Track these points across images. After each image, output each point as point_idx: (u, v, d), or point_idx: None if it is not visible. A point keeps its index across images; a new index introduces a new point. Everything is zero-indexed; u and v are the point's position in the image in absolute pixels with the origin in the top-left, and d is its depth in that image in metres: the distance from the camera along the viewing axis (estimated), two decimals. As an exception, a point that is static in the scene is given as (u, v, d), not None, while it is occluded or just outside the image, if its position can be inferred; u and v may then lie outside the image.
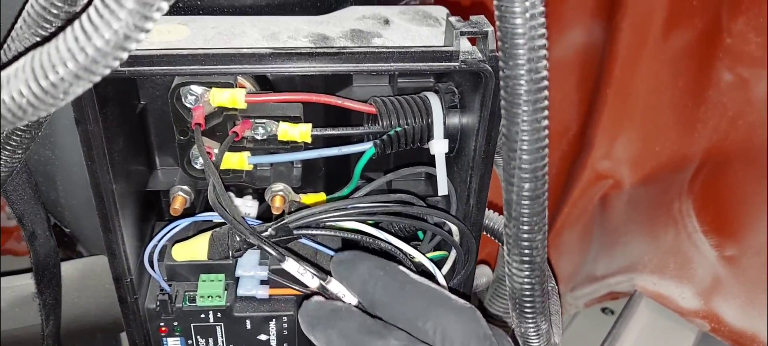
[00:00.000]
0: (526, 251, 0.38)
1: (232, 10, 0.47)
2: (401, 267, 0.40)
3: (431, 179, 0.51)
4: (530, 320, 0.41)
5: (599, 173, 0.98)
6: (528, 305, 0.40)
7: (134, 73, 0.38)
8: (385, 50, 0.40)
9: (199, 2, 0.46)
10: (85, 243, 0.64)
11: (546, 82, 0.33)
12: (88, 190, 0.42)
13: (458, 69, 0.40)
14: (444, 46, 0.41)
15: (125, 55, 0.26)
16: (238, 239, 0.41)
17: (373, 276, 0.39)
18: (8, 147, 0.39)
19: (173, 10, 0.45)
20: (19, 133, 0.39)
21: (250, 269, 0.47)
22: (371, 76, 0.51)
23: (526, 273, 0.39)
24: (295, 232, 0.41)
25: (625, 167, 0.97)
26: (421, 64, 0.40)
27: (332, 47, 0.40)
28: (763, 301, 0.81)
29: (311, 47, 0.40)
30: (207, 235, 0.44)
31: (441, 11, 0.48)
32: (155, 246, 0.44)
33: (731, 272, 0.84)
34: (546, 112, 0.34)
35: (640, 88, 0.95)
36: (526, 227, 0.37)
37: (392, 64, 0.40)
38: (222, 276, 0.47)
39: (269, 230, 0.41)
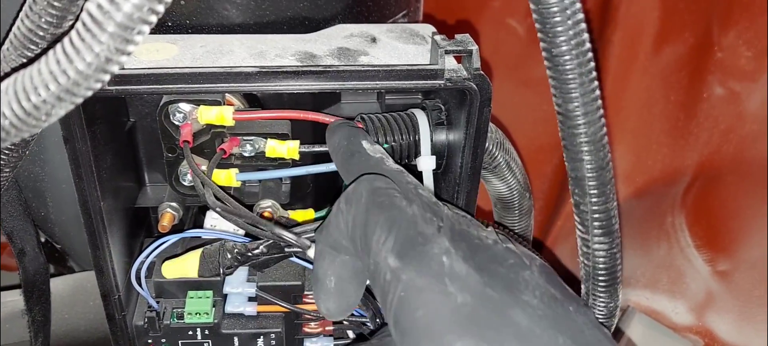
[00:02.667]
0: (604, 222, 0.38)
1: (221, 29, 0.47)
2: None
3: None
4: (609, 291, 0.41)
5: None
6: (607, 277, 0.40)
7: (122, 92, 0.38)
8: (371, 68, 0.40)
9: (187, 21, 0.46)
10: (75, 258, 0.64)
11: (591, 54, 0.33)
12: (77, 206, 0.42)
13: (443, 87, 0.41)
14: (429, 65, 0.41)
15: (107, 78, 0.27)
16: (229, 256, 0.42)
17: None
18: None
19: (162, 29, 0.46)
20: (7, 152, 0.39)
21: (238, 286, 0.47)
22: (359, 93, 0.51)
23: (607, 245, 0.39)
24: (286, 250, 0.41)
25: (617, 181, 0.98)
26: (406, 82, 0.41)
27: (319, 65, 0.41)
28: (757, 316, 0.81)
29: (298, 66, 0.40)
30: (198, 252, 0.44)
31: (427, 29, 0.48)
32: (143, 263, 0.44)
33: (724, 287, 0.84)
34: (597, 83, 0.34)
35: (632, 103, 0.96)
36: (600, 199, 0.37)
37: (378, 82, 0.40)
38: (210, 293, 0.47)
39: (260, 247, 0.41)
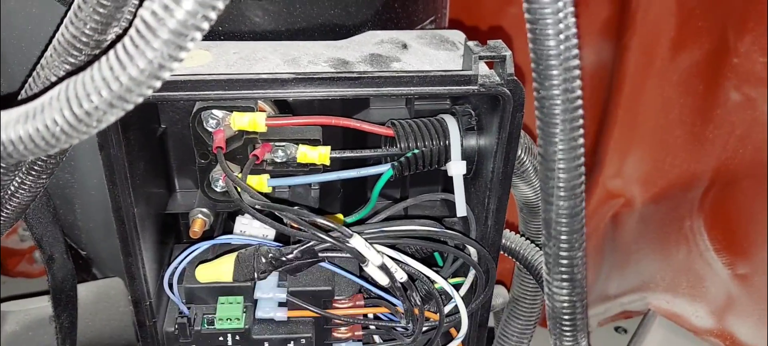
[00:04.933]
0: (567, 269, 0.38)
1: (253, 35, 0.47)
2: None
3: (447, 201, 0.51)
4: (569, 337, 0.41)
5: (610, 192, 0.98)
6: (567, 322, 0.41)
7: (158, 98, 0.39)
8: (404, 74, 0.40)
9: (220, 28, 0.47)
10: (99, 265, 0.65)
11: (580, 102, 0.33)
12: (105, 212, 0.43)
13: (477, 92, 0.41)
14: (462, 70, 0.41)
15: (158, 84, 0.27)
16: (263, 260, 0.42)
17: None
18: (33, 172, 0.39)
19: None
20: (45, 158, 0.39)
21: (269, 291, 0.47)
22: (388, 99, 0.52)
23: (567, 291, 0.39)
24: (319, 254, 0.41)
25: (635, 186, 0.98)
26: (440, 87, 0.41)
27: (352, 72, 0.41)
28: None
29: (331, 72, 0.41)
30: (232, 256, 0.44)
31: (458, 36, 0.48)
32: (176, 269, 0.44)
33: (744, 290, 0.84)
34: (581, 131, 0.34)
35: (649, 107, 0.96)
36: (565, 245, 0.38)
37: (412, 88, 0.41)
38: (240, 298, 0.47)
39: (294, 252, 0.41)
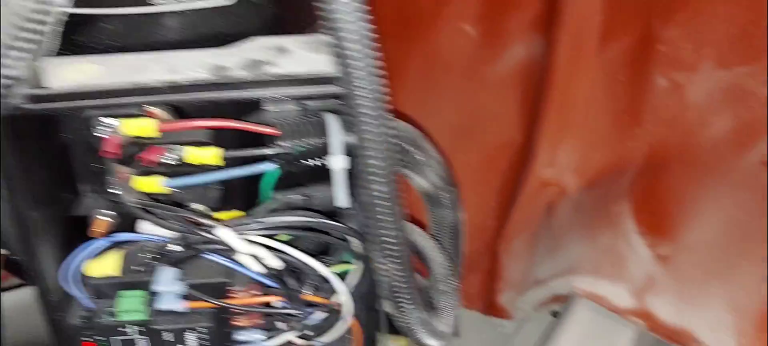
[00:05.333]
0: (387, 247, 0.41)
1: (145, 47, 0.50)
2: None
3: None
4: (405, 310, 0.45)
5: (544, 181, 1.01)
6: (400, 295, 0.44)
7: (44, 109, 0.42)
8: (276, 78, 0.44)
9: (112, 42, 0.50)
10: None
11: (384, 92, 0.36)
12: None
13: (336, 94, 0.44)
14: (325, 72, 0.45)
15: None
16: (147, 254, 0.45)
17: None
18: None
19: (86, 49, 0.50)
20: None
21: (167, 285, 0.50)
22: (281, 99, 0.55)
23: (389, 266, 0.42)
24: (198, 246, 0.45)
25: (568, 174, 1.01)
26: (310, 88, 0.44)
27: (226, 77, 0.44)
28: (695, 297, 0.85)
29: (202, 79, 0.44)
30: (121, 252, 0.48)
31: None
32: (69, 264, 0.47)
33: (664, 270, 0.88)
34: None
35: (580, 98, 0.99)
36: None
37: (283, 89, 0.44)
38: (142, 292, 0.50)
39: (173, 245, 0.45)
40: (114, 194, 0.50)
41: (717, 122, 0.90)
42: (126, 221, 0.55)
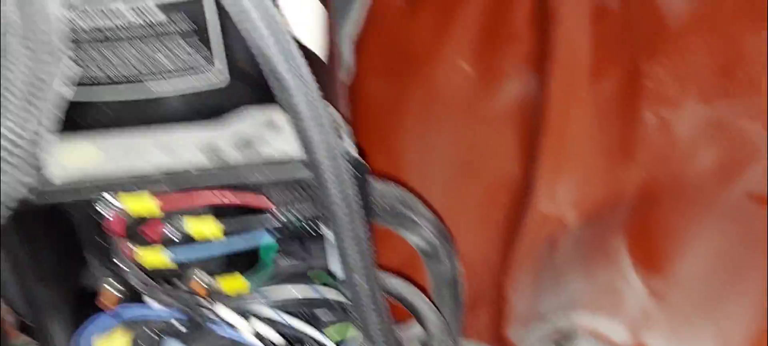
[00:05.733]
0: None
1: (137, 122, 0.53)
2: None
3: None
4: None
5: (545, 215, 1.02)
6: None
7: (49, 202, 0.45)
8: (271, 159, 0.46)
9: (101, 118, 0.52)
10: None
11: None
12: None
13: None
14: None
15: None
16: (153, 334, 0.47)
17: None
18: None
19: (82, 126, 0.52)
20: None
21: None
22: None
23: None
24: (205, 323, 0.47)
25: (568, 208, 1.02)
26: (293, 173, 0.47)
27: (222, 162, 0.47)
28: (688, 332, 0.86)
29: (201, 166, 0.46)
30: (129, 330, 0.50)
31: (334, 113, 0.54)
32: (78, 343, 0.50)
33: (658, 305, 0.89)
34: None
35: (575, 132, 1.01)
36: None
37: (278, 170, 0.46)
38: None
39: (175, 322, 0.47)
40: (120, 269, 0.53)
41: (703, 156, 0.92)
42: (134, 293, 0.58)
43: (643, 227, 0.98)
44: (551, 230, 1.04)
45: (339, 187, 0.39)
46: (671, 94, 0.96)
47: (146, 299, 0.53)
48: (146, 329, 0.48)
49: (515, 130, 1.07)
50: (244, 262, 0.59)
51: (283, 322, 0.48)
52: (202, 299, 0.45)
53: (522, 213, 1.05)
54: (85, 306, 0.57)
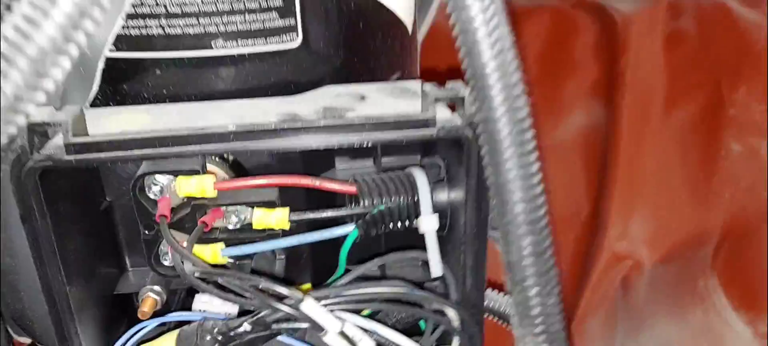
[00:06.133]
0: (539, 319, 0.33)
1: (201, 97, 0.44)
2: None
3: (427, 264, 0.47)
4: None
5: (617, 255, 0.94)
6: None
7: (83, 161, 0.35)
8: (357, 122, 0.37)
9: (164, 91, 0.44)
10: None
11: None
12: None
13: (436, 137, 0.37)
14: (419, 115, 0.38)
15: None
16: (208, 337, 0.37)
17: None
18: None
19: (138, 100, 0.44)
20: None
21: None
22: (354, 157, 0.48)
23: None
24: (273, 326, 0.37)
25: (643, 247, 0.93)
26: (394, 133, 0.37)
27: (301, 120, 0.37)
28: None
29: (278, 122, 0.37)
30: (173, 334, 0.40)
31: (416, 84, 0.45)
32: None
33: (768, 347, 0.78)
34: (535, 154, 0.30)
35: (649, 165, 0.93)
36: (535, 290, 0.32)
37: (365, 134, 0.37)
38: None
39: (244, 324, 0.36)
40: (166, 266, 0.43)
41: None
42: (175, 298, 0.48)
43: (737, 264, 0.87)
44: (624, 271, 0.94)
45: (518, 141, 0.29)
46: (758, 120, 0.88)
47: (196, 302, 0.43)
48: (198, 334, 0.38)
49: (582, 164, 0.99)
50: (309, 272, 0.49)
51: (375, 330, 0.38)
52: (285, 291, 0.35)
53: (591, 253, 0.96)
54: (117, 318, 0.47)
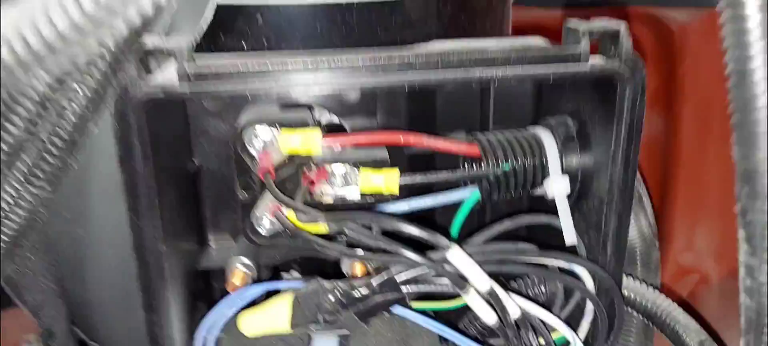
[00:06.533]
0: None
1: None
2: None
3: (550, 232, 0.41)
4: None
5: (683, 267, 0.89)
6: None
7: (199, 94, 0.31)
8: (501, 55, 0.33)
9: (266, 42, 0.40)
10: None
11: None
12: (124, 285, 0.34)
13: (589, 74, 0.33)
14: (568, 49, 0.33)
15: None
16: (330, 297, 0.32)
17: None
18: (33, 182, 0.30)
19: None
20: (50, 159, 0.30)
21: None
22: (460, 115, 0.43)
23: None
24: (403, 288, 0.32)
25: (709, 260, 0.89)
26: (542, 67, 0.33)
27: (432, 53, 0.33)
28: None
29: (406, 55, 0.33)
30: (286, 297, 0.34)
31: (540, 40, 0.41)
32: (216, 320, 0.34)
33: None
34: None
35: (713, 175, 0.89)
36: None
37: (509, 68, 0.32)
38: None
39: (372, 285, 0.31)
40: (261, 235, 0.38)
41: None
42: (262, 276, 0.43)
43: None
44: (692, 286, 0.89)
45: None
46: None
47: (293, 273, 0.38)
48: (320, 294, 0.33)
49: (642, 175, 0.96)
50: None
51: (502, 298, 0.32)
52: (432, 238, 0.29)
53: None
54: (199, 296, 0.42)
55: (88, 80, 0.28)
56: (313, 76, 0.32)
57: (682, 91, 0.93)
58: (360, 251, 0.32)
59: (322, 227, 0.37)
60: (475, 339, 0.35)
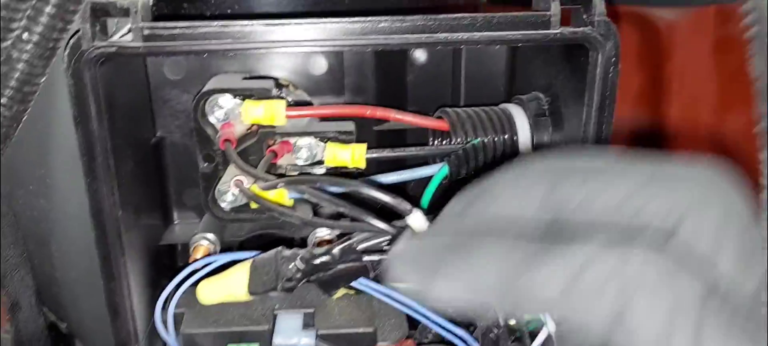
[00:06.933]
0: None
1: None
2: None
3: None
4: None
5: None
6: None
7: (155, 49, 0.30)
8: (468, 19, 0.32)
9: (229, 10, 0.39)
10: (84, 339, 0.52)
11: None
12: (91, 259, 0.33)
13: (556, 38, 0.32)
14: (538, 15, 0.32)
15: None
16: (291, 265, 0.31)
17: None
18: None
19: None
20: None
21: (292, 335, 0.35)
22: (433, 89, 0.43)
23: None
24: (364, 258, 0.31)
25: None
26: (509, 32, 0.32)
27: (396, 18, 0.32)
28: None
29: (371, 19, 0.32)
30: (244, 265, 0.33)
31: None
32: (173, 291, 0.33)
33: None
34: None
35: None
36: None
37: (474, 33, 0.31)
38: (256, 345, 0.35)
39: (334, 250, 0.30)
40: (225, 209, 0.37)
41: None
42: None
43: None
44: None
45: None
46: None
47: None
48: (278, 261, 0.31)
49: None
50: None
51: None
52: (394, 202, 0.28)
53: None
54: (162, 272, 0.41)
55: (33, 27, 0.27)
56: (273, 35, 0.31)
57: (670, 89, 0.92)
58: (321, 220, 0.31)
59: (284, 196, 0.37)
60: (443, 317, 0.34)
